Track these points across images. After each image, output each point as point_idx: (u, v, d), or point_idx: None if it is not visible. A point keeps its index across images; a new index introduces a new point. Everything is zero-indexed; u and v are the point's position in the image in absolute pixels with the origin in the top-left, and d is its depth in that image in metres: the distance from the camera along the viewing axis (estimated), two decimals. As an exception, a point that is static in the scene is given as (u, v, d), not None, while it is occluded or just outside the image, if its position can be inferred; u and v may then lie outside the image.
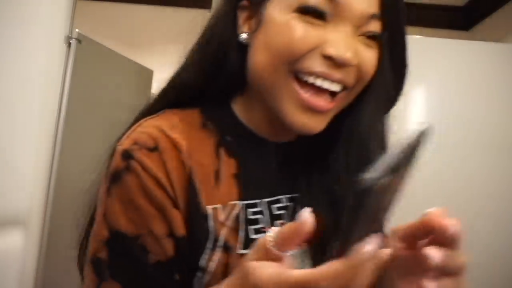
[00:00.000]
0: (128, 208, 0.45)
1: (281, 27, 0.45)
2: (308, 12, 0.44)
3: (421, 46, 1.60)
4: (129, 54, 2.53)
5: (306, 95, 0.46)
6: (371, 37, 0.47)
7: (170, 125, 0.49)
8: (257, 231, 0.47)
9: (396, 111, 0.55)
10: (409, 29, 0.52)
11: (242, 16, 0.51)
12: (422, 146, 0.30)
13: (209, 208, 0.46)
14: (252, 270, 0.31)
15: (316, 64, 0.45)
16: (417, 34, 1.72)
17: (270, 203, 0.50)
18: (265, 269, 0.31)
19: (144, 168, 0.45)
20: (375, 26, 0.46)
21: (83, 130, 2.07)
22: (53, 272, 1.88)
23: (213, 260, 0.45)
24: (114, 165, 0.48)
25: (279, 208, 0.50)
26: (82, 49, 1.94)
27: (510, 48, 1.76)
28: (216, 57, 0.51)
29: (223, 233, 0.46)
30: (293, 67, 0.45)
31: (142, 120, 0.54)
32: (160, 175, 0.46)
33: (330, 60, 0.44)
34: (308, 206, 0.33)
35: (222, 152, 0.50)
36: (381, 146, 0.51)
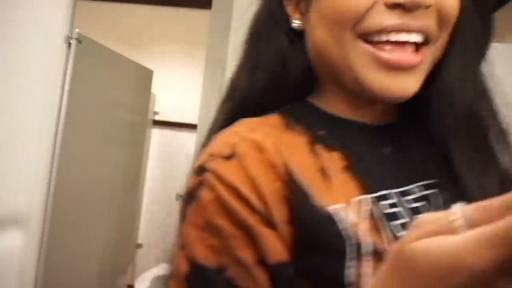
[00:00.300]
0: (206, 231, 0.37)
1: None
2: None
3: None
4: (129, 54, 2.53)
5: (384, 53, 0.38)
6: None
7: (249, 129, 0.42)
8: (403, 227, 0.37)
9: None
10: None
11: (290, 7, 0.46)
12: None
13: (331, 209, 0.36)
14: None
15: (384, 18, 0.38)
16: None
17: (401, 194, 0.40)
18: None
19: (220, 179, 0.37)
20: None
21: (83, 130, 2.08)
22: (53, 272, 1.88)
23: (364, 272, 0.34)
24: (188, 186, 0.41)
25: (415, 200, 0.40)
26: (82, 49, 1.94)
27: (510, 48, 1.76)
28: (277, 56, 0.45)
29: (364, 236, 0.35)
30: (358, 31, 0.39)
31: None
32: (241, 184, 0.37)
33: (398, 7, 0.37)
34: (471, 193, 0.28)
35: (319, 148, 0.42)
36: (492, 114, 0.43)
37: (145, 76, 2.78)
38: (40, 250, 1.76)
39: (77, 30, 1.90)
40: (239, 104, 0.47)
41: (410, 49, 0.38)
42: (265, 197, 0.37)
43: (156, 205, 3.25)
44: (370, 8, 0.37)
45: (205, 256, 0.36)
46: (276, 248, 0.36)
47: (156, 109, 3.28)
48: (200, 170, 0.40)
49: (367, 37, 0.39)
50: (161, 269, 2.84)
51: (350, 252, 0.35)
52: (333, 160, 0.41)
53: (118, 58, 2.39)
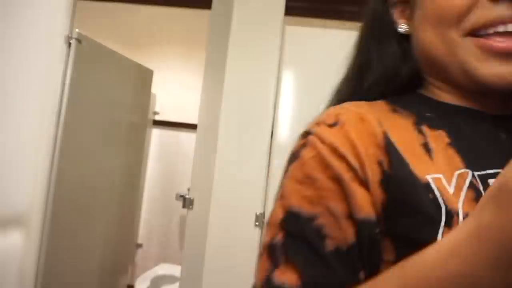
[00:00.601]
0: (304, 184, 0.41)
1: None
2: None
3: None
4: (129, 54, 2.54)
5: (496, 43, 0.39)
6: None
7: (356, 105, 0.46)
8: None
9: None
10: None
11: (396, 14, 0.51)
12: None
13: (429, 178, 0.38)
14: None
15: (491, 11, 0.39)
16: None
17: None
18: None
19: (322, 140, 0.41)
20: None
21: (83, 130, 2.08)
22: (53, 272, 1.88)
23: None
24: (293, 148, 0.44)
25: None
26: (82, 49, 1.94)
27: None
28: (388, 59, 0.50)
29: (461, 206, 0.36)
30: (465, 28, 0.41)
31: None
32: (340, 145, 0.40)
33: (503, 0, 0.38)
34: None
35: (424, 128, 0.43)
36: None
37: (145, 76, 2.78)
38: (40, 250, 1.76)
39: (77, 30, 1.90)
40: (346, 99, 0.50)
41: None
42: (362, 158, 0.40)
43: (156, 205, 3.25)
44: (473, 5, 0.39)
45: (299, 205, 0.40)
46: (365, 205, 0.39)
47: (156, 109, 3.28)
48: (305, 134, 0.44)
49: (473, 32, 0.41)
50: (161, 269, 2.84)
51: (444, 220, 0.36)
52: (438, 137, 0.43)
53: (118, 58, 2.39)
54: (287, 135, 1.72)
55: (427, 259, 0.31)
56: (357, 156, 0.40)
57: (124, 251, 2.70)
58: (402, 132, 0.43)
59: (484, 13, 0.39)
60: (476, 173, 0.39)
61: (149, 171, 3.26)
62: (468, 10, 0.40)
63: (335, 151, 0.40)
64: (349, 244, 0.39)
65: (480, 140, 0.43)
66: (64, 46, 1.79)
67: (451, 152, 0.41)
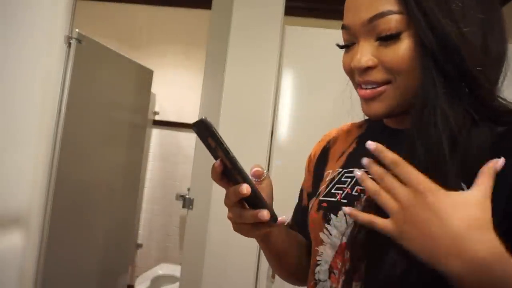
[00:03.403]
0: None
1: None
2: (344, 47, 0.61)
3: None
4: (129, 54, 2.54)
5: (360, 91, 0.59)
6: (386, 36, 0.53)
7: (342, 127, 0.77)
8: (338, 188, 0.63)
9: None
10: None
11: None
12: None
13: (326, 172, 0.69)
14: None
15: (356, 77, 0.58)
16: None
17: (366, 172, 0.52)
18: None
19: (314, 148, 0.79)
20: (386, 24, 0.53)
21: (83, 130, 2.08)
22: (53, 272, 1.88)
23: (311, 202, 0.68)
24: None
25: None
26: (82, 49, 1.94)
27: (510, 48, 1.76)
28: None
29: (322, 187, 0.67)
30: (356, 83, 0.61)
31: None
32: (313, 151, 0.78)
33: (356, 70, 0.58)
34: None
35: (356, 140, 0.69)
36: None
37: (145, 76, 2.78)
38: (40, 250, 1.76)
39: (77, 30, 1.90)
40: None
41: (371, 88, 0.57)
42: (314, 157, 0.78)
43: (156, 205, 3.26)
44: (352, 71, 0.59)
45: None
46: (308, 183, 0.78)
47: (156, 109, 3.29)
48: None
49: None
50: (161, 269, 2.85)
51: (312, 201, 0.69)
52: (351, 147, 0.69)
53: (118, 58, 2.39)
54: (287, 135, 1.72)
55: None
56: (314, 157, 0.78)
57: (124, 251, 2.70)
58: (343, 143, 0.72)
59: (356, 76, 0.59)
60: (343, 170, 0.65)
61: (149, 171, 3.26)
62: (351, 73, 0.60)
63: (310, 155, 0.80)
64: (304, 204, 0.77)
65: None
66: (64, 46, 1.79)
67: (345, 157, 0.68)
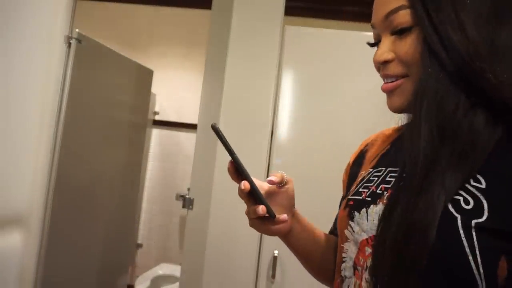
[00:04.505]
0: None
1: None
2: (374, 45, 0.64)
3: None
4: (129, 54, 2.54)
5: (383, 85, 0.62)
6: (400, 30, 0.57)
7: (384, 131, 0.77)
8: (366, 187, 0.64)
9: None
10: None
11: None
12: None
13: (360, 173, 0.71)
14: None
15: (379, 71, 0.62)
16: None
17: (390, 171, 0.62)
18: None
19: (353, 154, 0.81)
20: (399, 19, 0.56)
21: (83, 130, 2.08)
22: (53, 272, 1.88)
23: (342, 202, 0.69)
24: None
25: (392, 176, 0.62)
26: (82, 49, 1.94)
27: None
28: None
29: (353, 187, 0.68)
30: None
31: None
32: (351, 157, 0.79)
33: (377, 65, 0.61)
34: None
35: (391, 143, 0.71)
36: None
37: (145, 76, 2.78)
38: (40, 250, 1.76)
39: (77, 30, 1.90)
40: None
41: (390, 81, 0.60)
42: (352, 160, 0.79)
43: (156, 205, 3.25)
44: (377, 68, 0.62)
45: None
46: (345, 184, 0.80)
47: (156, 109, 3.29)
48: None
49: None
50: (161, 269, 2.84)
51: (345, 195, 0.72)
52: (385, 149, 0.71)
53: (118, 58, 2.39)
54: (287, 135, 1.72)
55: None
56: (349, 162, 0.79)
57: (124, 251, 2.70)
58: (380, 146, 0.73)
59: (380, 72, 0.63)
60: (372, 170, 0.66)
61: (149, 171, 3.26)
62: (378, 69, 0.62)
63: (348, 162, 0.81)
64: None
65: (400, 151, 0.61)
66: (64, 46, 1.79)
67: (378, 159, 0.69)
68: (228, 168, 0.64)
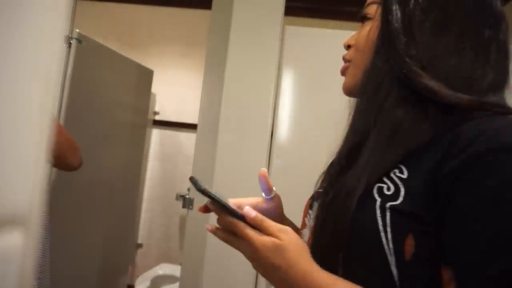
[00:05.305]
0: None
1: None
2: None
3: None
4: (129, 54, 2.54)
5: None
6: (363, 18, 0.64)
7: None
8: (325, 179, 0.70)
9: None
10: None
11: None
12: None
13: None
14: None
15: None
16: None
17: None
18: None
19: None
20: (368, 10, 0.64)
21: (83, 130, 2.08)
22: (53, 272, 1.88)
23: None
24: None
25: None
26: (82, 49, 1.94)
27: (510, 48, 1.75)
28: None
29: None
30: None
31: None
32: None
33: None
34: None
35: None
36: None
37: (145, 76, 2.78)
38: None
39: (77, 30, 1.90)
40: None
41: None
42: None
43: (156, 205, 3.25)
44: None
45: None
46: None
47: (156, 109, 3.29)
48: None
49: None
50: (161, 269, 2.84)
51: None
52: None
53: (118, 58, 2.39)
54: (287, 135, 1.72)
55: None
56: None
57: (124, 251, 2.70)
58: None
59: None
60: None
61: (149, 171, 3.26)
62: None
63: None
64: None
65: None
66: (64, 46, 1.79)
67: None
68: (203, 208, 0.63)
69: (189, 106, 3.22)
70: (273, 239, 0.52)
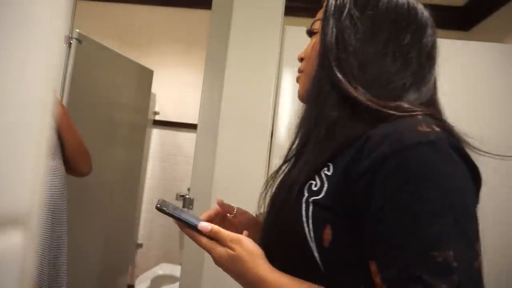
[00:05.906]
0: None
1: None
2: None
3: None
4: (129, 54, 2.54)
5: None
6: (311, 33, 0.76)
7: None
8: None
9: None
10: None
11: None
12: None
13: None
14: None
15: None
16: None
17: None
18: None
19: None
20: (315, 26, 0.74)
21: (83, 130, 2.08)
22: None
23: None
24: None
25: None
26: (82, 49, 1.94)
27: (510, 48, 1.76)
28: None
29: None
30: None
31: None
32: None
33: None
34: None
35: None
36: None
37: (145, 76, 2.78)
38: (40, 250, 1.76)
39: (77, 30, 1.90)
40: None
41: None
42: None
43: (156, 205, 3.25)
44: None
45: None
46: None
47: (156, 109, 3.29)
48: None
49: None
50: (161, 269, 2.84)
51: None
52: None
53: (118, 58, 2.39)
54: (287, 135, 1.72)
55: None
56: None
57: (124, 251, 2.70)
58: None
59: None
60: None
61: (149, 171, 3.26)
62: None
63: None
64: None
65: None
66: (64, 46, 1.79)
67: None
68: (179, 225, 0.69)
69: (189, 106, 3.22)
70: (227, 250, 0.59)
